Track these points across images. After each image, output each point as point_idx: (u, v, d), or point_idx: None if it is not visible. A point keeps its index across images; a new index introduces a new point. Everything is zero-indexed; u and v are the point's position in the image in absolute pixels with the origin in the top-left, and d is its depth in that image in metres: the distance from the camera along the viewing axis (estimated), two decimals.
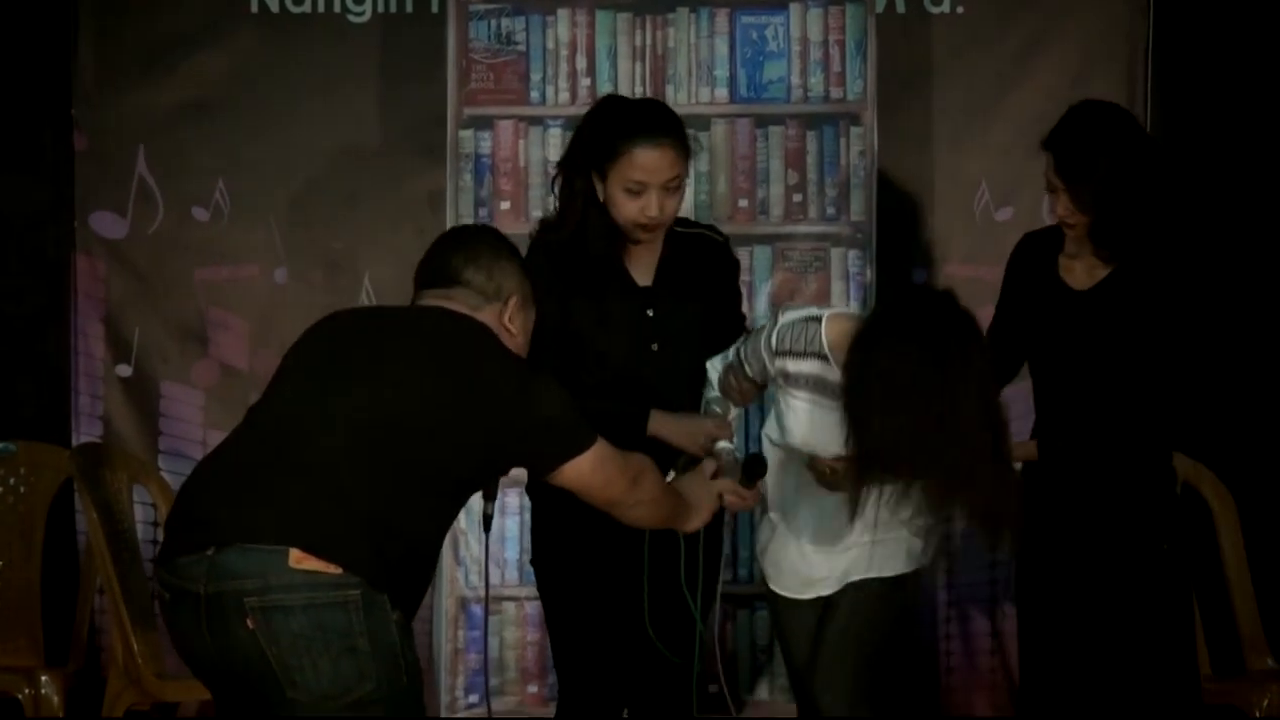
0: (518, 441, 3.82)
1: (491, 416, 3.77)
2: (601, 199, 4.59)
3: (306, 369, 3.87)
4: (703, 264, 4.74)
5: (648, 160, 4.54)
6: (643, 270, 4.69)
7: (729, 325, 4.74)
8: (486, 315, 3.95)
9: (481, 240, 4.07)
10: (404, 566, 3.72)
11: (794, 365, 4.41)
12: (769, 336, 4.45)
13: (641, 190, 4.54)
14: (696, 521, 4.26)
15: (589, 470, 3.88)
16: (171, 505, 3.87)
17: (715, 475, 4.33)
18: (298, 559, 3.61)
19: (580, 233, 4.62)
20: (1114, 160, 4.56)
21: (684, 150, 4.60)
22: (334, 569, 3.62)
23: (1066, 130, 4.63)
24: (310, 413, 3.75)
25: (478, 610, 5.89)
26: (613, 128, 4.58)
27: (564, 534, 4.66)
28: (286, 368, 3.92)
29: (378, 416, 3.72)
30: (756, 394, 4.64)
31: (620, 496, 3.96)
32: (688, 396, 4.63)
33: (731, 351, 4.60)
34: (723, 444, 4.52)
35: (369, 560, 3.65)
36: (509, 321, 3.99)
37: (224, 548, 3.64)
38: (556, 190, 4.70)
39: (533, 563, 4.76)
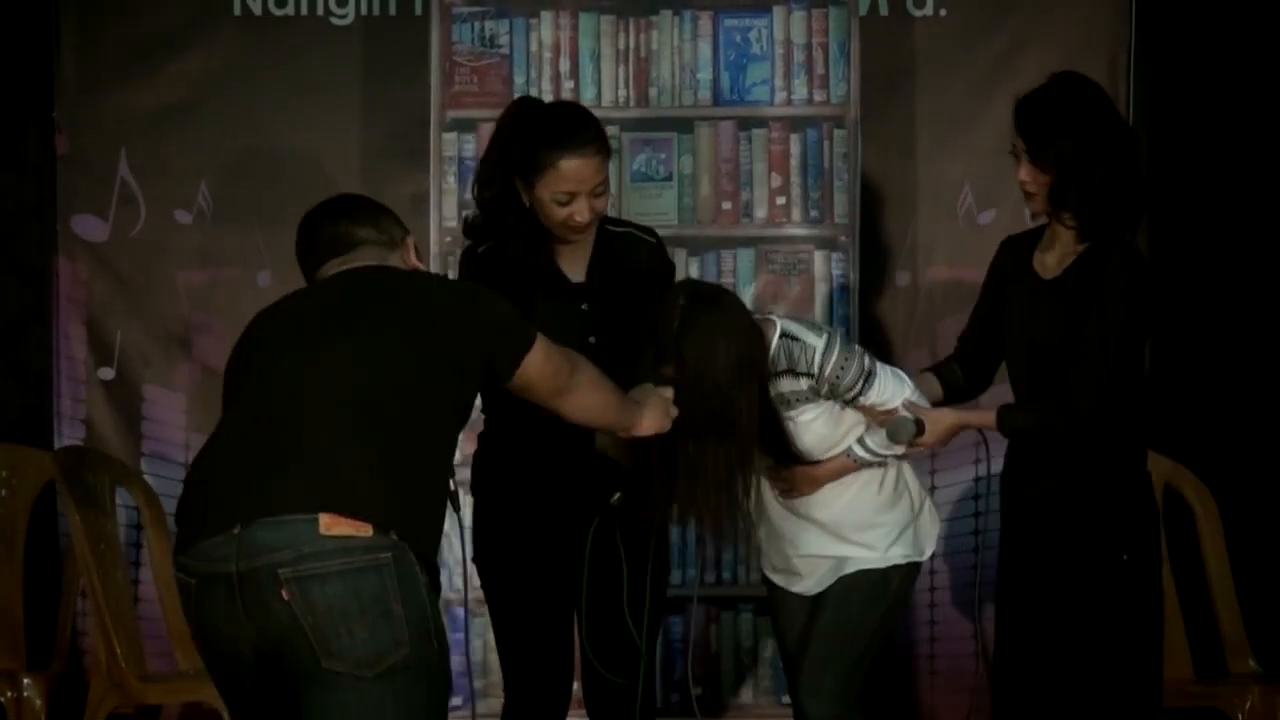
0: (484, 347, 3.90)
1: (457, 335, 3.87)
2: (527, 204, 4.60)
3: (276, 351, 3.90)
4: (633, 261, 4.74)
5: (575, 171, 4.54)
6: (575, 267, 4.69)
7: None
8: (395, 262, 4.06)
9: (352, 202, 4.17)
10: (422, 516, 3.79)
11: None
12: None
13: (571, 199, 4.55)
14: (645, 421, 4.30)
15: (542, 359, 3.97)
16: (180, 497, 3.89)
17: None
18: (328, 525, 3.66)
19: (507, 237, 4.63)
20: (1074, 113, 4.55)
21: (607, 152, 4.61)
22: (365, 530, 3.67)
23: (1033, 92, 4.66)
24: (297, 388, 3.79)
25: (459, 612, 5.89)
26: (536, 140, 4.56)
27: (507, 532, 4.66)
28: (251, 356, 3.96)
29: (363, 374, 3.78)
30: None
31: (566, 381, 4.03)
32: (626, 389, 4.62)
33: None
34: None
35: (394, 514, 3.71)
36: (415, 260, 4.11)
37: (250, 524, 3.67)
38: (474, 195, 4.69)
39: (475, 560, 4.75)
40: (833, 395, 4.54)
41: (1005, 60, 6.14)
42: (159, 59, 6.25)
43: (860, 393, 4.53)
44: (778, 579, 4.73)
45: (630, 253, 4.74)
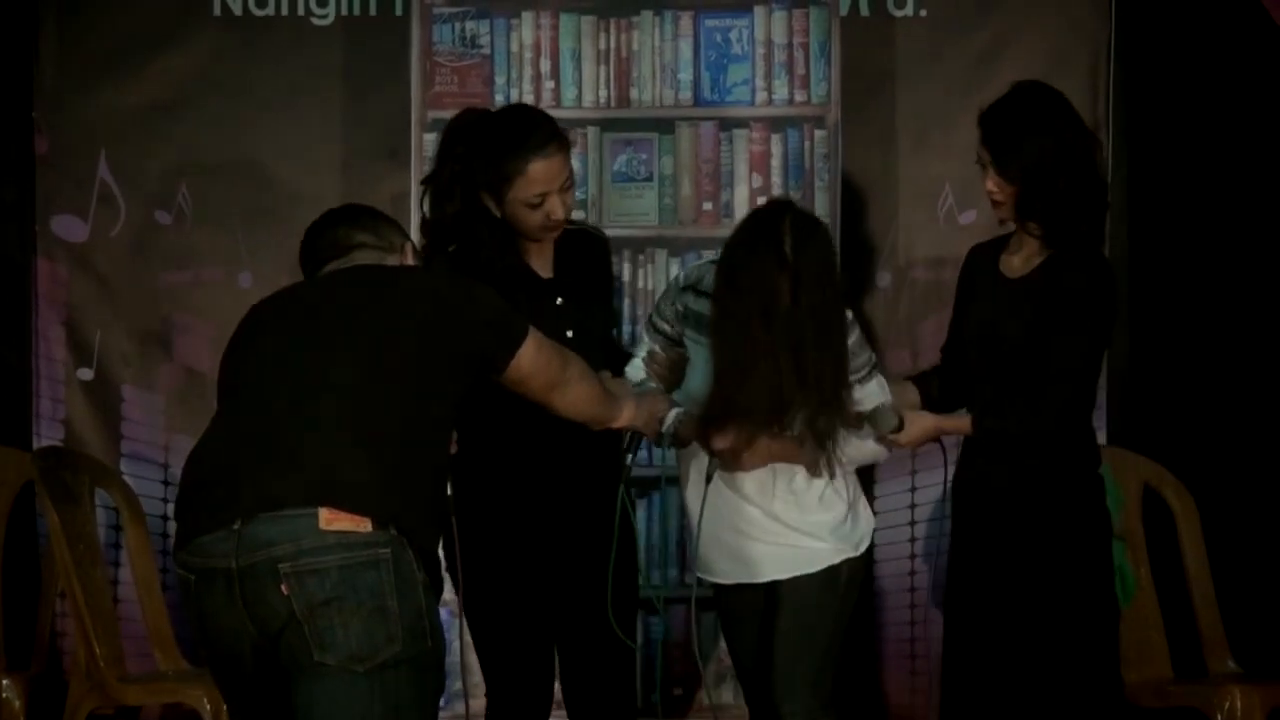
0: (479, 339, 3.93)
1: (450, 328, 3.89)
2: (497, 214, 4.63)
3: (271, 346, 3.92)
4: (592, 257, 4.83)
5: (545, 171, 4.59)
6: (542, 264, 4.75)
7: (608, 319, 4.88)
8: (391, 264, 4.09)
9: (355, 209, 4.22)
10: (421, 511, 3.82)
11: (695, 302, 4.58)
12: (677, 277, 4.67)
13: (543, 200, 4.60)
14: (624, 415, 4.36)
15: (535, 351, 3.99)
16: (178, 494, 3.90)
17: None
18: (328, 519, 3.69)
19: (476, 244, 4.65)
20: (1038, 124, 4.59)
21: (567, 147, 4.67)
22: (364, 525, 3.70)
23: (997, 103, 4.69)
24: (294, 383, 3.82)
25: (444, 613, 5.87)
26: (497, 150, 4.60)
27: (484, 537, 4.65)
28: (246, 350, 3.97)
29: (359, 369, 3.80)
30: (682, 362, 4.71)
31: (559, 374, 4.07)
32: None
33: (645, 328, 4.75)
34: (673, 411, 4.60)
35: (393, 509, 3.74)
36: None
37: (250, 519, 3.70)
38: (426, 209, 4.70)
39: (448, 569, 4.75)
40: None
41: (986, 60, 6.15)
42: (139, 59, 6.24)
43: (861, 380, 4.61)
44: (724, 577, 4.73)
45: (588, 248, 4.83)
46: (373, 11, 6.23)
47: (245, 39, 6.23)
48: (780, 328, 4.44)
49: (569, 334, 4.65)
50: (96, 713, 5.81)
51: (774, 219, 4.50)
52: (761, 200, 6.19)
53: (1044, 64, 6.06)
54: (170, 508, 6.17)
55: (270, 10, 6.23)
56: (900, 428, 4.64)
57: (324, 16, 6.23)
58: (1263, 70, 6.15)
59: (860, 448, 4.66)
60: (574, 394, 4.13)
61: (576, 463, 4.64)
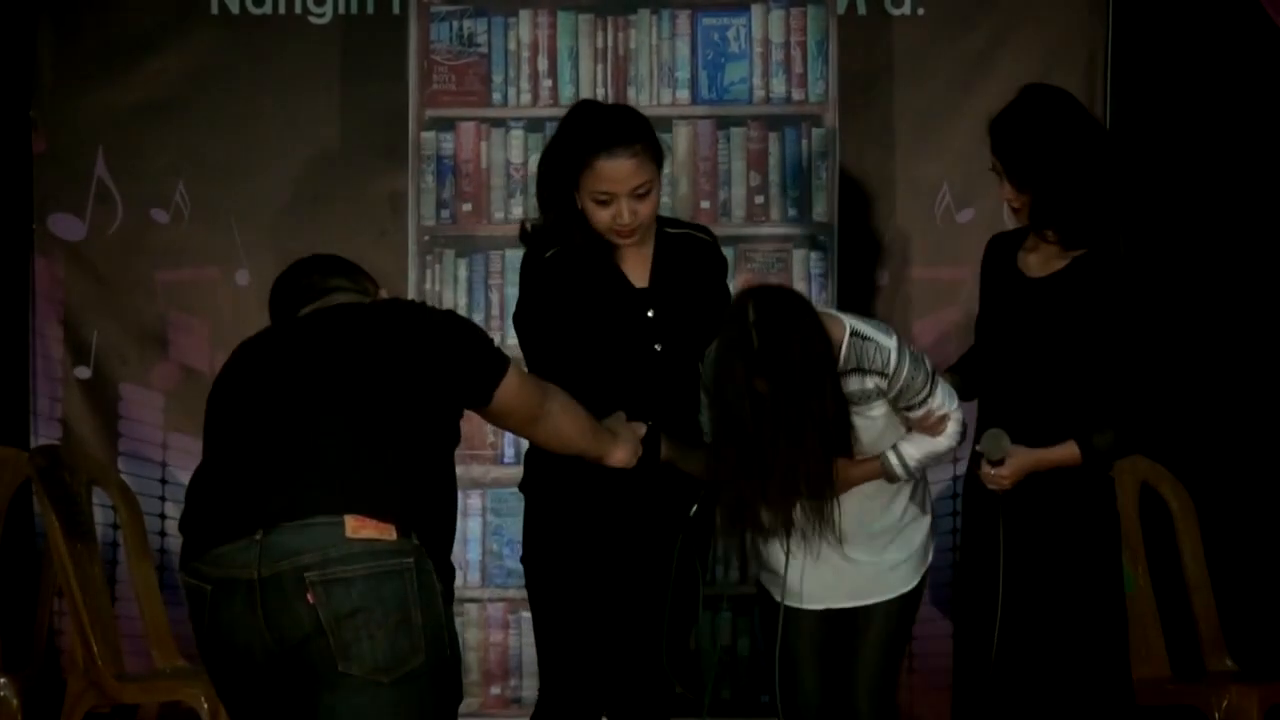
0: (461, 372, 3.94)
1: (431, 364, 3.89)
2: (580, 208, 4.61)
3: (270, 374, 3.92)
4: (693, 263, 4.76)
5: (610, 171, 4.56)
6: (637, 272, 4.70)
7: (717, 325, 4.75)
8: None
9: (327, 257, 4.24)
10: (437, 520, 3.84)
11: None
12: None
13: (610, 200, 4.57)
14: (618, 453, 4.35)
15: (516, 385, 4.01)
16: (186, 507, 3.89)
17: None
18: (355, 527, 3.69)
19: (570, 242, 4.64)
20: (1046, 132, 4.56)
21: (650, 155, 4.61)
22: (389, 533, 3.71)
23: (1005, 110, 4.66)
24: (302, 403, 3.82)
25: None
26: (577, 141, 4.60)
27: (557, 533, 4.66)
28: (241, 379, 3.97)
29: (360, 391, 3.81)
30: None
31: (539, 406, 4.09)
32: (694, 396, 4.63)
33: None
34: None
35: (414, 517, 3.75)
36: None
37: (273, 529, 3.69)
38: (539, 201, 4.70)
39: (523, 560, 4.76)
40: (899, 398, 4.52)
41: (983, 59, 6.14)
42: (136, 58, 6.24)
43: (929, 394, 4.52)
44: (818, 603, 4.70)
45: (690, 254, 4.75)
46: (370, 10, 6.22)
47: (242, 37, 6.23)
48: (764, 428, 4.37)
49: (657, 348, 4.63)
50: (94, 711, 5.81)
51: (739, 313, 4.39)
52: (759, 200, 6.19)
53: (1041, 63, 6.06)
54: (168, 506, 6.17)
55: (267, 9, 6.23)
56: (1004, 460, 4.58)
57: (321, 15, 6.23)
58: (1260, 70, 6.15)
59: (923, 445, 4.57)
60: (555, 427, 4.16)
61: (653, 472, 4.61)
